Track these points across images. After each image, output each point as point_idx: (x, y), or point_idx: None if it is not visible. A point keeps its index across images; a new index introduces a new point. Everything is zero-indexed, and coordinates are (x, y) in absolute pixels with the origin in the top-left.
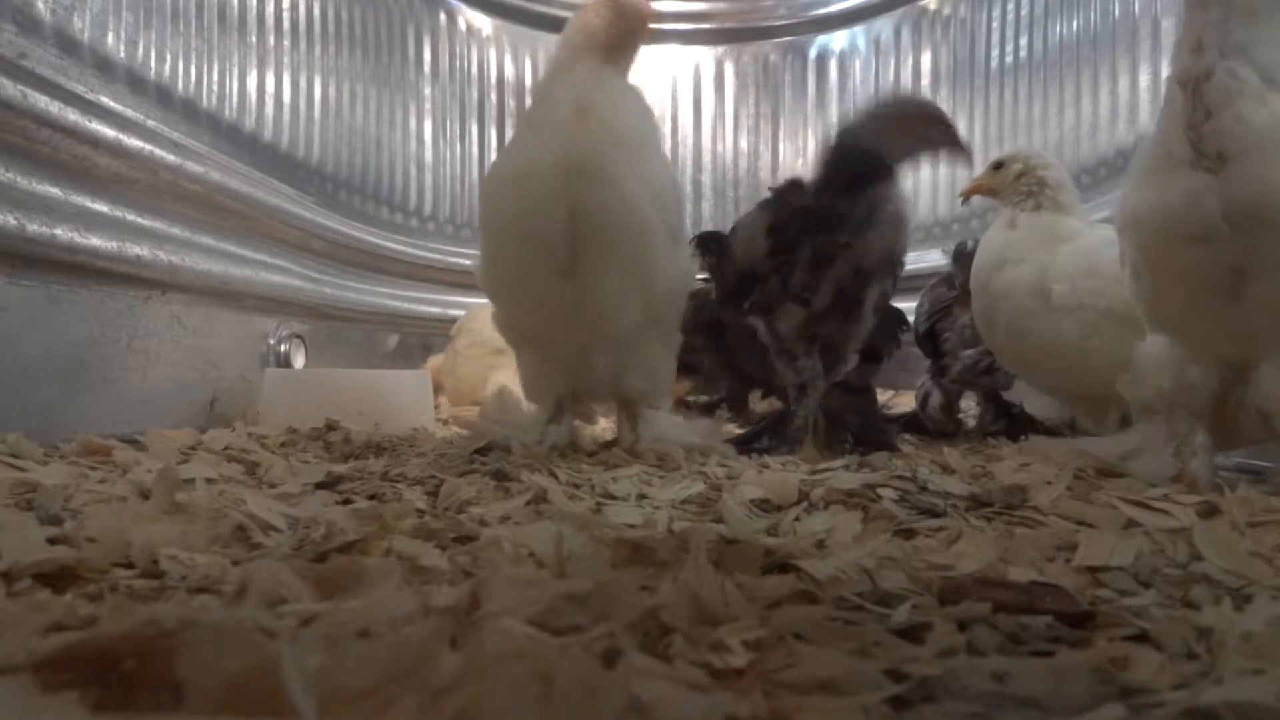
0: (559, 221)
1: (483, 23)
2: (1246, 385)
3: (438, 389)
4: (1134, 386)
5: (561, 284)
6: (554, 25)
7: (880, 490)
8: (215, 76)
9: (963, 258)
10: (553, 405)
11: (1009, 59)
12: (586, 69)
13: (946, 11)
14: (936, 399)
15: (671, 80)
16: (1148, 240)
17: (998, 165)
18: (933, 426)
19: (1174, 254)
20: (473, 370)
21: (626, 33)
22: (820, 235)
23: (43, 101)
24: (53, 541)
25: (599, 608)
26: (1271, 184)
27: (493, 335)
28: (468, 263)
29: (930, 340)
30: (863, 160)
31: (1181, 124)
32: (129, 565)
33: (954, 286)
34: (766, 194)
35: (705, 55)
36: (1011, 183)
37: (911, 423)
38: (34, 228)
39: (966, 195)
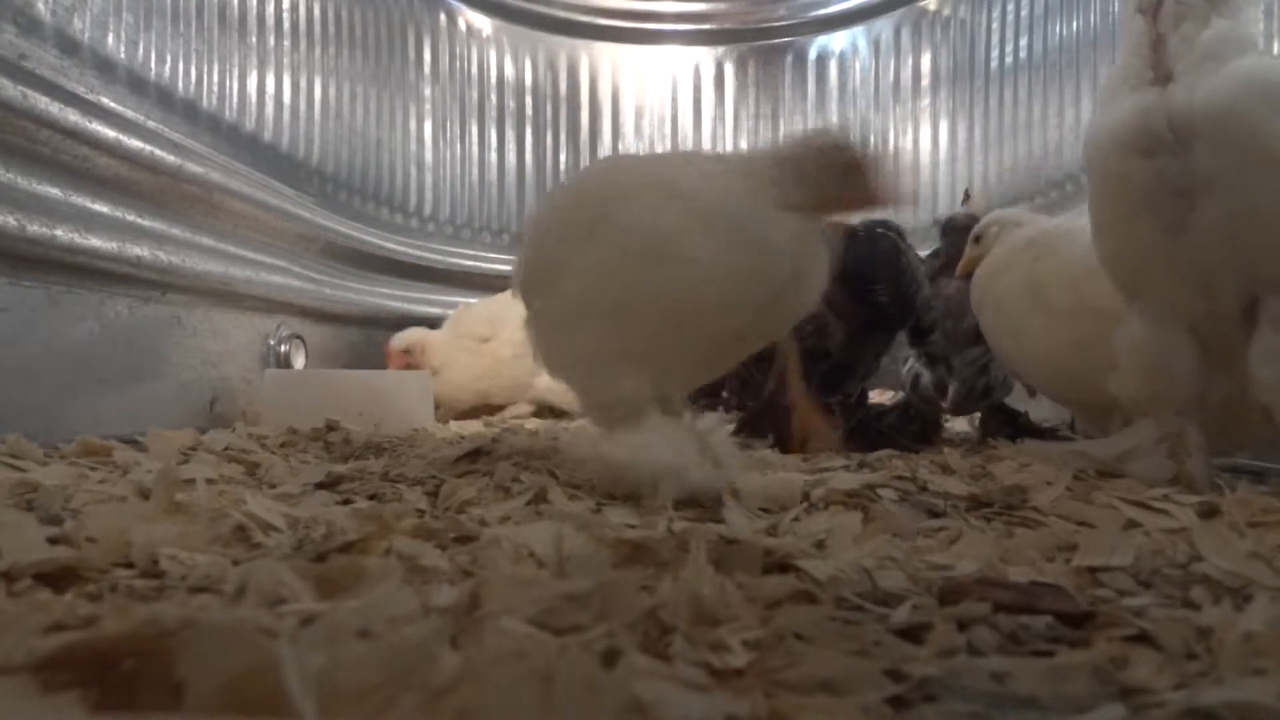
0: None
1: (483, 23)
2: (1245, 382)
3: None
4: (1121, 382)
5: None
6: (554, 26)
7: (880, 490)
8: (215, 77)
9: (951, 230)
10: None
11: (1009, 60)
12: (803, 225)
13: (946, 12)
14: (928, 378)
15: (671, 80)
16: (1103, 158)
17: (977, 239)
18: (925, 408)
19: (1125, 172)
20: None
21: (856, 203)
22: None
23: (43, 102)
24: (53, 541)
25: (599, 608)
26: (1205, 94)
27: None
28: (468, 263)
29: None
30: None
31: (1144, 48)
32: (129, 565)
33: (937, 256)
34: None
35: (705, 55)
36: (995, 243)
37: (901, 417)
38: (34, 228)
39: (964, 274)
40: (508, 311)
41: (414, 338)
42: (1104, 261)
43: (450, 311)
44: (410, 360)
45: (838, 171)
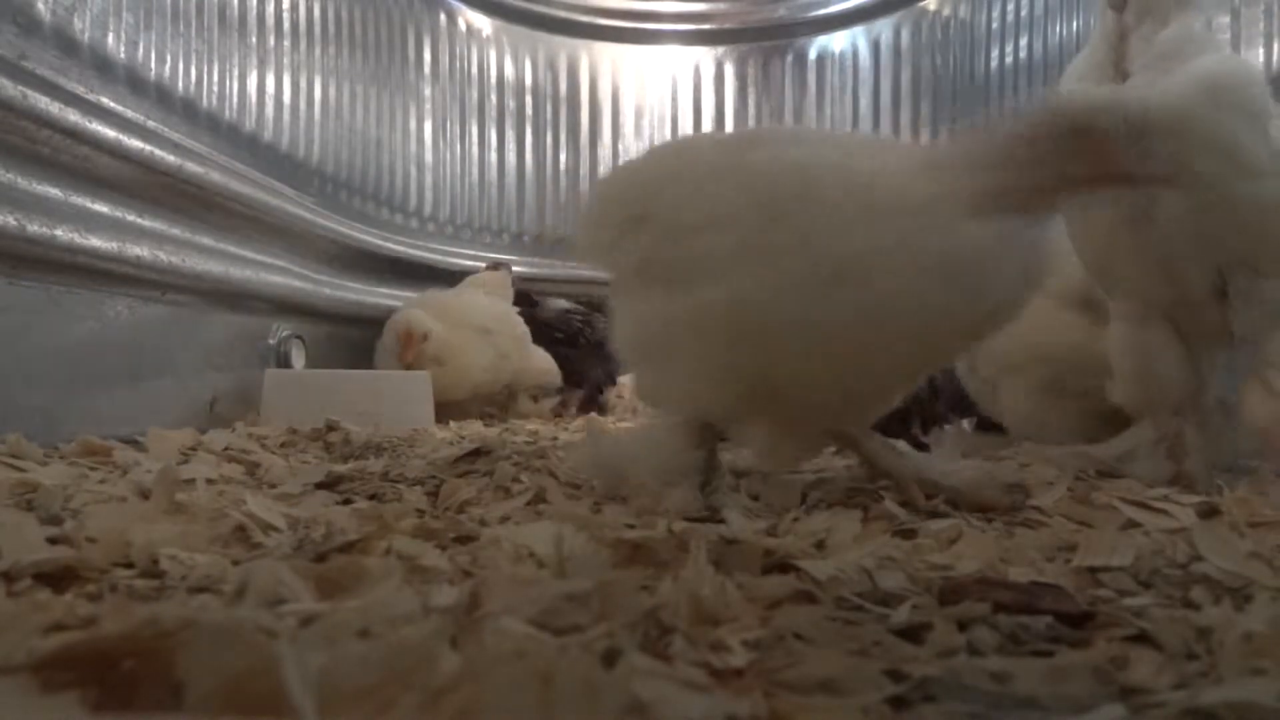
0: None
1: (483, 23)
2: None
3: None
4: (1117, 386)
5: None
6: (554, 26)
7: (880, 490)
8: (215, 77)
9: None
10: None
11: (1009, 60)
12: (1021, 231)
13: (946, 13)
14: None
15: (671, 80)
16: None
17: None
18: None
19: None
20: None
21: (1103, 183)
22: None
23: (43, 102)
24: (53, 541)
25: (599, 608)
26: (1160, 94)
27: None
28: (468, 263)
29: None
30: None
31: (1109, 43)
32: (129, 565)
33: None
34: None
35: (705, 55)
36: None
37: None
38: (34, 228)
39: None
40: (499, 304)
41: (426, 322)
42: (1078, 254)
43: None
44: (425, 347)
45: (1079, 149)
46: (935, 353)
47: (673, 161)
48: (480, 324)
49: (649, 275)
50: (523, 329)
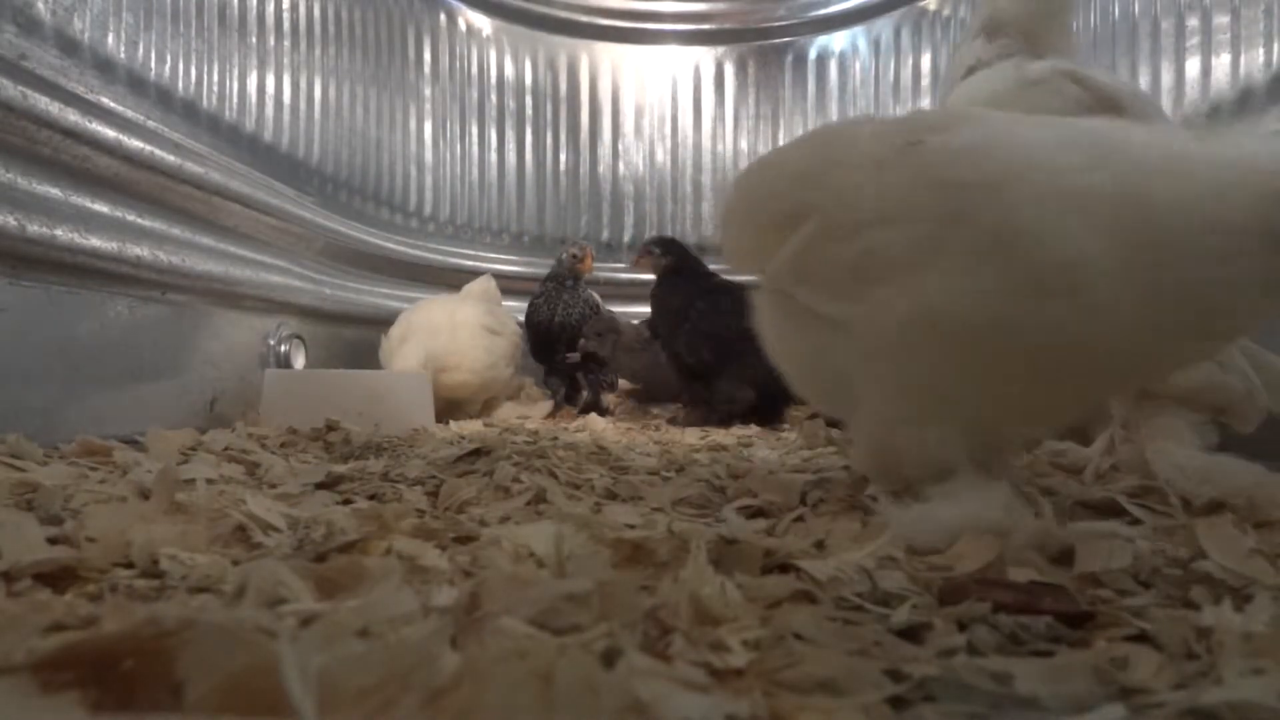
0: None
1: (483, 23)
2: None
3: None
4: None
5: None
6: (554, 26)
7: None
8: (215, 77)
9: None
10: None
11: None
12: None
13: (947, 12)
14: None
15: (671, 80)
16: None
17: None
18: None
19: None
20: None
21: None
22: None
23: (43, 102)
24: (53, 541)
25: (599, 608)
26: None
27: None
28: (468, 263)
29: None
30: None
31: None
32: (129, 565)
33: None
34: None
35: (705, 55)
36: None
37: None
38: (34, 228)
39: None
40: (504, 312)
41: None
42: None
43: None
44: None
45: None
46: (1138, 378)
47: (831, 147)
48: (490, 325)
49: (804, 275)
50: (519, 337)
